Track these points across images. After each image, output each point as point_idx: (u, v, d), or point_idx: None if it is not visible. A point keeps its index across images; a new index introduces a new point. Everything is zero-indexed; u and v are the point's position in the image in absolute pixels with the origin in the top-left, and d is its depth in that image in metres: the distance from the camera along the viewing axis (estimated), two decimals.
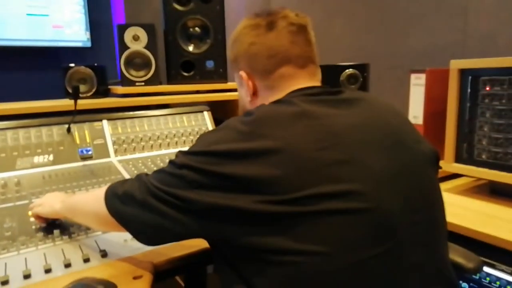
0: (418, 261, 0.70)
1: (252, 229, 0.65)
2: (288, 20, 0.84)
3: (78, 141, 1.47)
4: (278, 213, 0.64)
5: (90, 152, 1.47)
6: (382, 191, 0.68)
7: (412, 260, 0.69)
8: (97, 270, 0.87)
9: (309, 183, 0.64)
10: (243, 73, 0.88)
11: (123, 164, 1.45)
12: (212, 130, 0.78)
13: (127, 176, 1.37)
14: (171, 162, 0.76)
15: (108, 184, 0.85)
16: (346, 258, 0.63)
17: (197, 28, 1.91)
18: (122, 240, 1.00)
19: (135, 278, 0.83)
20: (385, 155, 0.71)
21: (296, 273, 0.64)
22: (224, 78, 1.95)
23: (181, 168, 0.71)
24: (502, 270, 1.01)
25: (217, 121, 1.82)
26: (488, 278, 1.03)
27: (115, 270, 0.86)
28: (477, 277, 1.05)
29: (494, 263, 1.01)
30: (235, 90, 1.94)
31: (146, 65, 1.79)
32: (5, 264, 0.89)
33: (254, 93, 0.89)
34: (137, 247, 0.95)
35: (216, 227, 0.69)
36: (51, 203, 1.01)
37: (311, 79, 0.86)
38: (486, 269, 1.03)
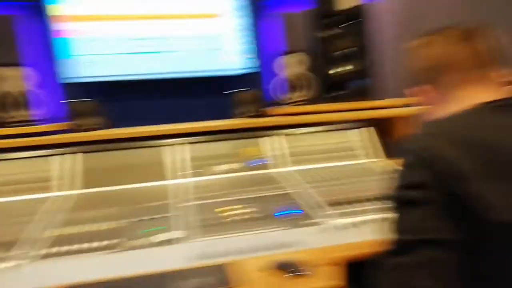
0: None
1: None
2: (453, 32, 0.86)
3: (252, 153, 1.66)
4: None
5: (265, 162, 1.65)
6: None
7: None
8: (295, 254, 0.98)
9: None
10: (421, 86, 0.92)
11: (288, 174, 1.57)
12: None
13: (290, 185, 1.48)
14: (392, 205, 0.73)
15: None
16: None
17: (347, 50, 2.01)
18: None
19: (329, 264, 0.89)
20: None
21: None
22: (378, 95, 1.99)
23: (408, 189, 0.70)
24: None
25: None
26: None
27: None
28: None
29: None
30: (391, 107, 1.95)
31: (306, 86, 1.93)
32: None
33: (432, 103, 0.91)
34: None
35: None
36: None
37: (483, 84, 0.84)
38: None
